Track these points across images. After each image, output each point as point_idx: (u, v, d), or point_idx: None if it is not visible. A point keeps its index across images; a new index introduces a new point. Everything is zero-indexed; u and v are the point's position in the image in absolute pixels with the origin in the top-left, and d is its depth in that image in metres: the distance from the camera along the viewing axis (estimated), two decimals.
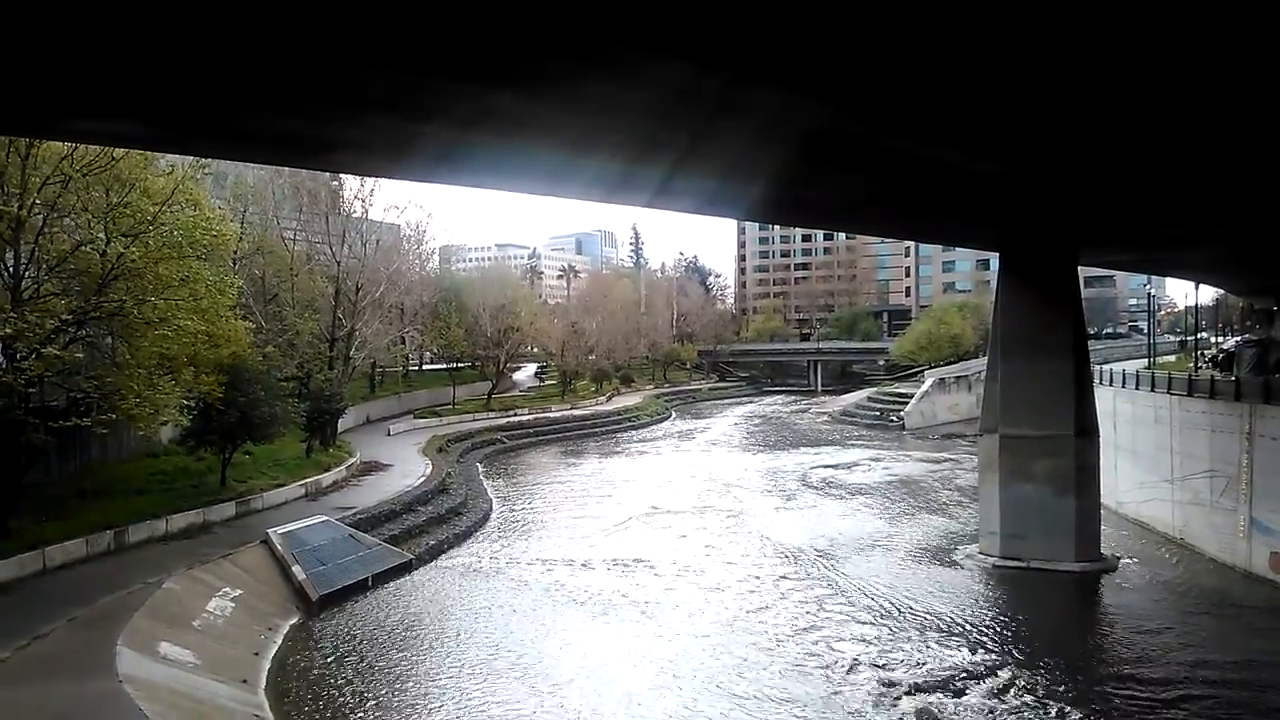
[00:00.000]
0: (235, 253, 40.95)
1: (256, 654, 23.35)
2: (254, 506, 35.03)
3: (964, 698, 20.72)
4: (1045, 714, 19.86)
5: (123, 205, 26.78)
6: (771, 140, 16.05)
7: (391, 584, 30.92)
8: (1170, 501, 36.22)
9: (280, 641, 24.89)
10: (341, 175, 53.82)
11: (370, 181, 54.09)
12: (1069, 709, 20.02)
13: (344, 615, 27.61)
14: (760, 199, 23.99)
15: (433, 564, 33.86)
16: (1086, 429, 33.06)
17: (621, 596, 29.41)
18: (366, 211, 57.14)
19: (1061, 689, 21.14)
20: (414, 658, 24.24)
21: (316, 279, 51.93)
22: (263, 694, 21.03)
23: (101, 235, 26.55)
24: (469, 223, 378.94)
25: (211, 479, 35.35)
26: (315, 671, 23.01)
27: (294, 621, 26.61)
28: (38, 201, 26.00)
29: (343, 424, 52.37)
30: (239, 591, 26.31)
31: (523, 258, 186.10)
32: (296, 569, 28.65)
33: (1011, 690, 21.12)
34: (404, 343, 72.73)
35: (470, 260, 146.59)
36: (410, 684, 22.20)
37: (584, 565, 33.34)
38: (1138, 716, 19.82)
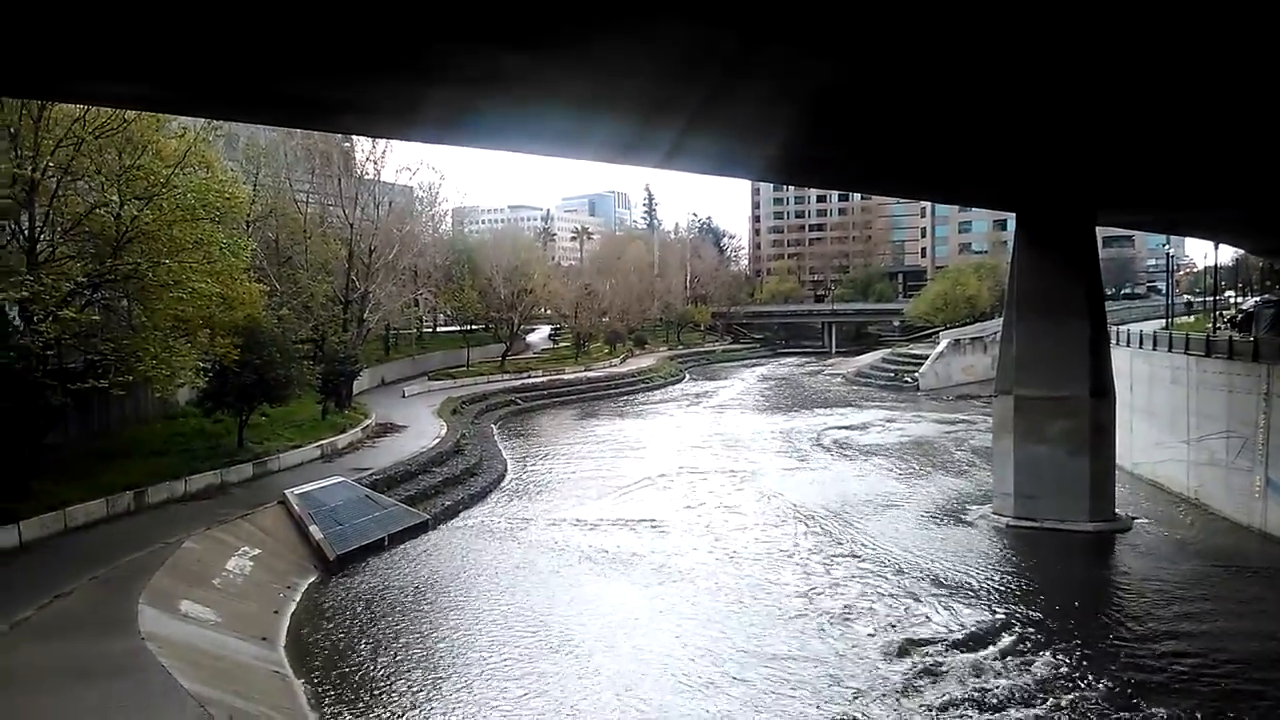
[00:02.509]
0: (248, 215, 40.96)
1: (276, 612, 23.70)
2: (270, 468, 35.38)
3: (975, 655, 20.84)
4: (1056, 672, 19.98)
5: (135, 168, 26.78)
6: (780, 101, 15.93)
7: (408, 544, 31.24)
8: (1186, 462, 36.11)
9: (299, 600, 25.26)
10: (353, 137, 53.69)
11: (382, 143, 54.02)
12: (1080, 668, 20.12)
13: (361, 574, 27.95)
14: (773, 159, 23.81)
15: (448, 524, 34.17)
16: (1102, 389, 32.92)
17: (636, 556, 29.61)
18: (379, 173, 57.16)
19: (1072, 648, 21.20)
20: (430, 616, 24.54)
21: (330, 241, 52.00)
22: (282, 651, 21.39)
23: (115, 198, 26.58)
24: (481, 184, 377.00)
25: (228, 440, 35.65)
26: (334, 629, 23.33)
27: (312, 580, 26.99)
28: (51, 164, 26.01)
29: (358, 386, 52.68)
30: (258, 551, 26.64)
31: (536, 219, 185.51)
32: (314, 529, 28.98)
33: (1022, 649, 21.22)
34: (418, 305, 72.89)
35: (483, 222, 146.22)
36: (427, 642, 22.47)
37: (599, 526, 33.56)
38: (1150, 675, 19.89)
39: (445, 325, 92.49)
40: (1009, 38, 12.80)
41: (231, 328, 31.51)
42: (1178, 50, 13.44)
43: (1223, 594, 25.61)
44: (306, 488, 31.53)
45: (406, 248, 57.15)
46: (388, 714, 18.46)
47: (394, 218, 58.45)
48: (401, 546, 30.90)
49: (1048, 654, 20.90)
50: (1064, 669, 20.15)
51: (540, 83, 14.78)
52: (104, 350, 27.04)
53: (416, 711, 18.56)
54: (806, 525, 33.30)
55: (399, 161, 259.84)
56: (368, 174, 55.99)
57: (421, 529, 32.73)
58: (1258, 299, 60.64)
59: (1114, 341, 39.91)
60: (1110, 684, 19.27)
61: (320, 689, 19.56)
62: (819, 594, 25.52)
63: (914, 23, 12.11)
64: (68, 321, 25.03)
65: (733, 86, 14.80)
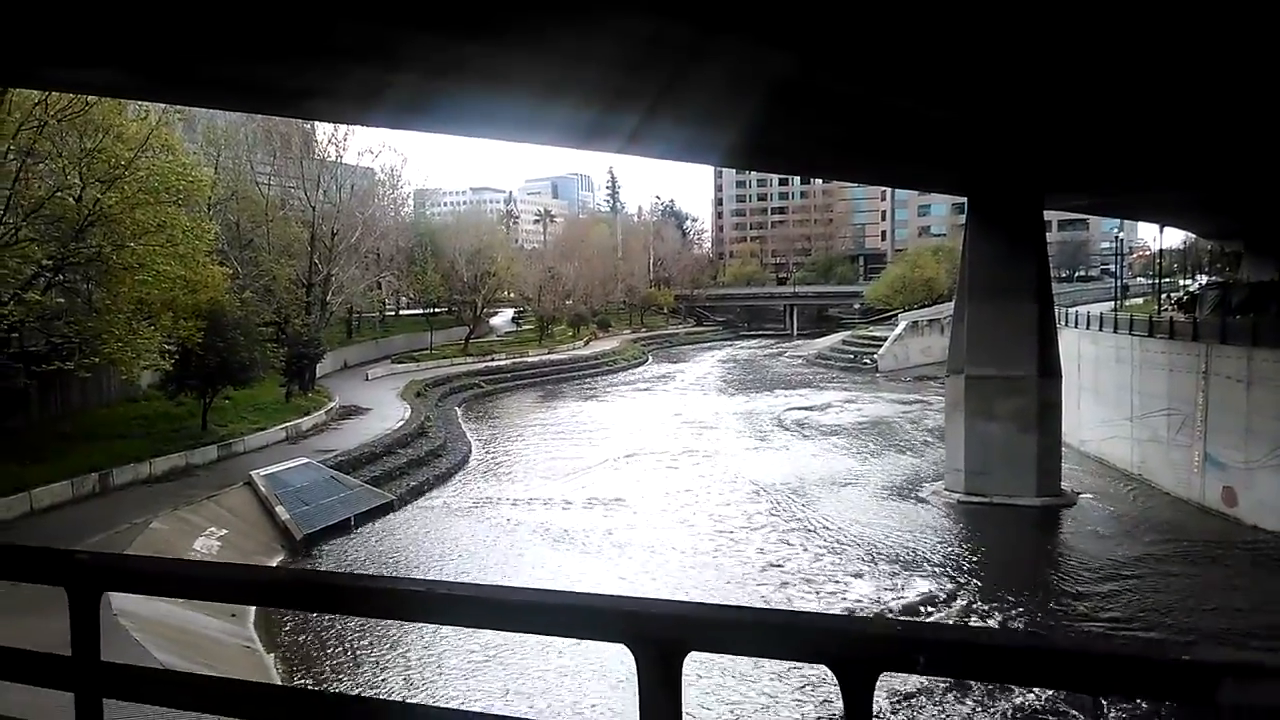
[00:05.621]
0: (210, 198, 40.89)
1: None
2: (235, 450, 35.53)
3: (924, 617, 21.78)
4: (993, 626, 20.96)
5: (97, 150, 26.83)
6: (738, 89, 16.50)
7: (374, 524, 31.65)
8: (1130, 439, 37.38)
9: None
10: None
11: (344, 126, 53.87)
12: (1014, 624, 21.14)
13: (328, 554, 28.37)
14: (732, 146, 24.44)
15: (413, 504, 34.59)
16: (1049, 369, 34.01)
17: (599, 533, 30.28)
18: (340, 156, 57.05)
19: (1016, 615, 22.24)
20: None
21: (292, 224, 51.91)
22: (252, 627, 21.78)
23: (77, 180, 26.63)
24: (443, 167, 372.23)
25: (192, 423, 35.75)
26: None
27: (280, 560, 27.33)
28: (13, 147, 25.99)
29: (321, 369, 52.71)
30: (224, 531, 26.94)
31: (498, 202, 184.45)
32: (280, 509, 29.30)
33: (968, 616, 22.21)
34: (380, 288, 72.81)
35: (445, 205, 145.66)
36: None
37: (562, 504, 34.16)
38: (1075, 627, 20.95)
39: (408, 309, 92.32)
40: (960, 24, 13.45)
41: (195, 311, 31.61)
42: (1120, 37, 14.19)
43: (1158, 564, 26.75)
44: (272, 469, 31.81)
45: (369, 230, 57.22)
46: (357, 683, 19.01)
47: (356, 200, 58.46)
48: (367, 527, 31.30)
49: (986, 620, 21.89)
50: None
51: (499, 70, 15.22)
52: (68, 333, 27.14)
53: (384, 681, 19.13)
54: (767, 502, 34.11)
55: (361, 144, 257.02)
56: (329, 156, 55.95)
57: (387, 509, 33.12)
58: (1203, 281, 62.47)
59: (1062, 322, 41.09)
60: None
61: (290, 662, 20.06)
62: (778, 566, 26.36)
63: (863, 13, 12.73)
64: (32, 304, 25.12)
65: (690, 75, 15.32)
